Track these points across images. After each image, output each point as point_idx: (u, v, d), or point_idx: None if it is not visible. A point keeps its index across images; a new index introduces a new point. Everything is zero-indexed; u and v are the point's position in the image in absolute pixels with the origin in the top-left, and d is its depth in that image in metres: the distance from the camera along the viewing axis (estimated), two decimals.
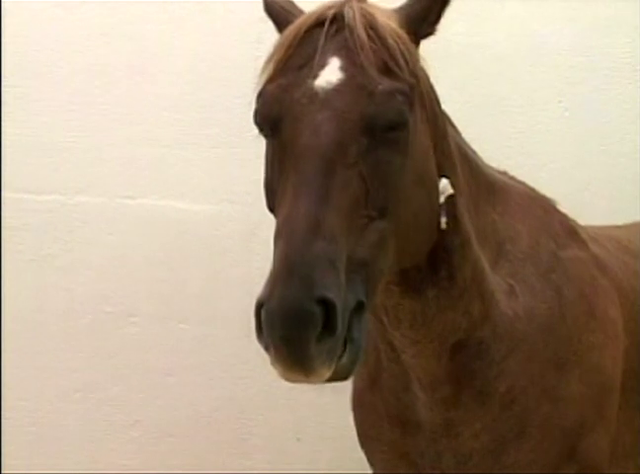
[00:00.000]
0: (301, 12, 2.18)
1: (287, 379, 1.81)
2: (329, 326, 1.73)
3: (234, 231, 3.85)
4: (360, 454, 2.76)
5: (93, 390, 3.82)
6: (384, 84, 1.94)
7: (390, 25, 2.02)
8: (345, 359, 1.81)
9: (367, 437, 2.70)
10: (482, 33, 3.90)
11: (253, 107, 2.05)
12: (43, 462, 3.80)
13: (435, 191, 2.14)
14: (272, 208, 2.01)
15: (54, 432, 3.82)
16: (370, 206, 1.91)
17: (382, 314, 2.33)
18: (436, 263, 2.23)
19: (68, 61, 3.80)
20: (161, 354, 3.85)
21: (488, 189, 2.46)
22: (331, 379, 1.82)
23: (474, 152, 2.48)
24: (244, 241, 3.84)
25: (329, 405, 3.68)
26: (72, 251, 3.81)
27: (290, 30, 2.06)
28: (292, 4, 2.27)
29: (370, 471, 2.77)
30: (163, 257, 3.85)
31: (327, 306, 1.72)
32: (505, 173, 2.67)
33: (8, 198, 3.77)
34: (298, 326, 1.70)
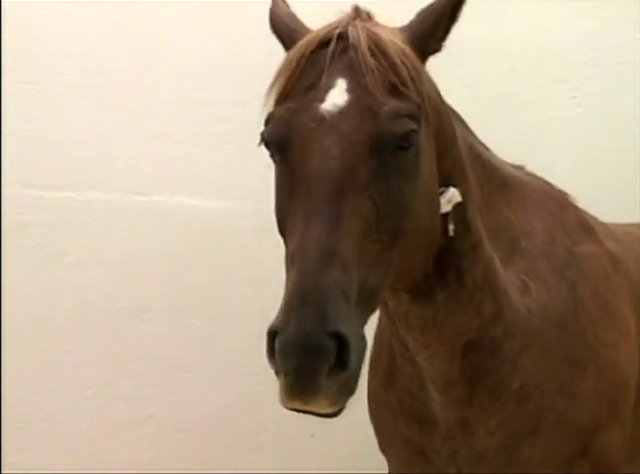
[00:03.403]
0: (307, 30, 2.17)
1: (286, 404, 1.81)
2: (341, 360, 1.74)
3: (245, 227, 3.85)
4: (374, 451, 2.76)
5: (105, 386, 3.83)
6: (390, 104, 1.93)
7: (395, 43, 2.01)
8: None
9: (383, 434, 2.71)
10: (494, 28, 3.89)
11: (263, 115, 2.04)
12: (56, 457, 3.81)
13: (436, 209, 2.13)
14: (282, 233, 2.01)
15: (67, 427, 3.82)
16: (382, 231, 1.91)
17: (394, 318, 2.34)
18: (444, 267, 2.23)
19: (80, 57, 3.80)
20: (173, 349, 3.86)
21: (502, 185, 2.46)
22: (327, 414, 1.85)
23: (487, 149, 2.48)
24: (255, 237, 3.84)
25: None
26: (84, 247, 3.82)
27: (296, 50, 2.05)
28: (298, 21, 2.25)
29: (385, 467, 2.77)
30: (175, 253, 3.85)
31: (340, 340, 1.73)
32: (521, 167, 2.66)
33: (20, 195, 3.78)
34: (312, 358, 1.72)
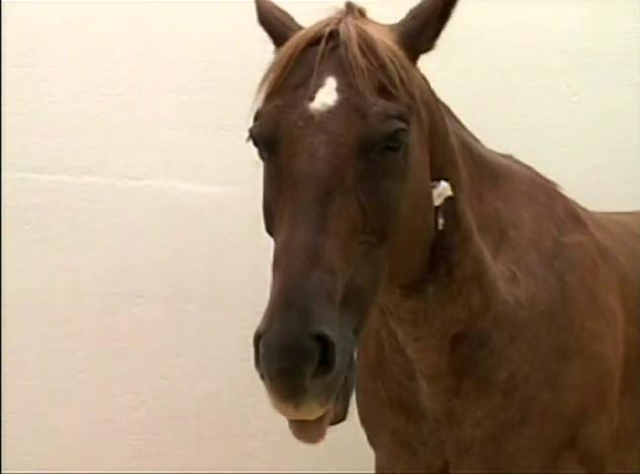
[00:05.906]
0: (299, 26, 2.16)
1: (279, 410, 1.80)
2: (325, 362, 1.73)
3: (240, 213, 3.83)
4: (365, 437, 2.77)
5: (98, 371, 3.83)
6: (379, 105, 1.92)
7: (386, 42, 2.00)
8: (339, 402, 1.82)
9: (370, 423, 2.71)
10: (491, 17, 3.88)
11: (253, 112, 2.04)
12: (48, 442, 3.82)
13: (430, 207, 2.13)
14: (270, 231, 2.00)
15: (59, 412, 3.82)
16: (369, 232, 1.91)
17: (385, 310, 2.34)
18: (434, 260, 2.23)
19: (76, 42, 3.80)
20: (166, 335, 3.85)
21: (491, 176, 2.46)
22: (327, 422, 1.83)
23: (477, 140, 2.49)
24: (250, 223, 3.80)
25: None
26: (78, 231, 3.81)
27: (287, 48, 2.04)
28: (289, 17, 2.24)
29: (373, 454, 2.78)
30: (169, 238, 3.85)
31: (324, 342, 1.72)
32: (510, 157, 2.67)
33: (15, 178, 3.77)
34: (295, 360, 1.70)
